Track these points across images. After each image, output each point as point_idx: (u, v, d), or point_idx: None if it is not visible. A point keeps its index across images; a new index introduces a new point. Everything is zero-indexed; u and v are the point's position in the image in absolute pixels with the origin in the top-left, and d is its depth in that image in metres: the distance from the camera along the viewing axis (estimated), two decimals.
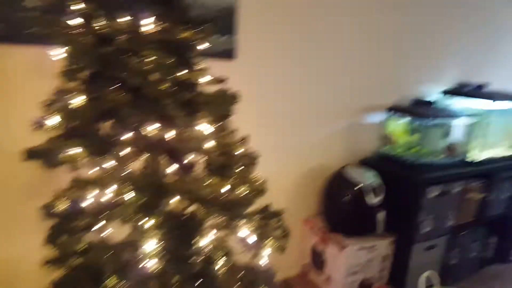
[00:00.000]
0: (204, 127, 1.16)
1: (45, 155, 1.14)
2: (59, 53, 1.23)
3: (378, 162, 2.55)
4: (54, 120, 1.12)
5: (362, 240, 2.27)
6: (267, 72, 2.17)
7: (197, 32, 1.15)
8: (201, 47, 1.17)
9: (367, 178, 2.31)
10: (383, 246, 2.34)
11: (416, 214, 2.32)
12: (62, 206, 1.27)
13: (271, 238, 1.33)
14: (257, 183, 1.34)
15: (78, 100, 1.09)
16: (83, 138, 1.11)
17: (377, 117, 2.68)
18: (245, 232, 1.23)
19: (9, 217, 1.69)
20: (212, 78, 1.22)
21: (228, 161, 1.22)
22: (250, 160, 1.27)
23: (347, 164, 2.44)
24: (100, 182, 1.20)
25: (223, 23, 1.91)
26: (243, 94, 2.07)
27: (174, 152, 1.28)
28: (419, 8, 2.64)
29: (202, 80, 1.19)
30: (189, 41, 1.13)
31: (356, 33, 2.42)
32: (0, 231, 1.69)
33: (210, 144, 1.17)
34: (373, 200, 2.25)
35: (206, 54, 1.21)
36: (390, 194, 2.33)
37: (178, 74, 1.11)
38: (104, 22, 1.05)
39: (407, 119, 2.52)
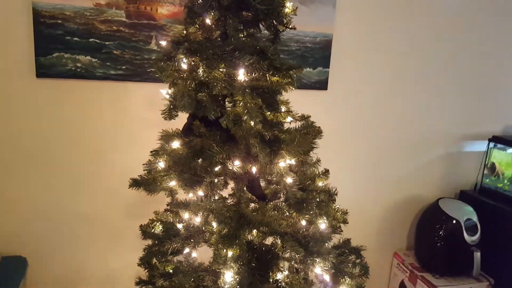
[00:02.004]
0: (286, 163, 1.21)
1: (147, 185, 1.32)
2: (166, 93, 1.42)
3: (478, 195, 2.34)
4: (160, 164, 1.30)
5: (455, 282, 2.10)
6: (357, 101, 2.16)
7: (284, 77, 1.22)
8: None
9: (465, 213, 2.14)
10: None
11: None
12: (157, 228, 1.44)
13: (349, 275, 1.33)
14: (338, 216, 1.35)
15: (176, 145, 1.24)
16: (178, 172, 1.25)
17: (479, 146, 2.46)
18: (322, 268, 1.25)
19: (110, 233, 1.94)
20: (298, 116, 1.27)
21: (307, 195, 1.26)
22: (329, 194, 1.29)
23: (443, 197, 2.29)
24: (190, 209, 1.34)
25: (318, 56, 1.96)
26: (333, 123, 2.13)
27: (256, 185, 1.37)
28: None
29: (288, 119, 1.25)
30: (277, 86, 1.20)
31: (455, 53, 2.27)
32: (102, 246, 1.95)
33: (290, 179, 1.22)
34: (470, 238, 2.08)
35: (299, 86, 1.27)
36: (489, 232, 2.13)
37: (265, 115, 1.19)
38: (204, 70, 1.18)
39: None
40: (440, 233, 2.13)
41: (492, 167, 2.39)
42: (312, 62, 1.97)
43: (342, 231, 1.39)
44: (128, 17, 1.70)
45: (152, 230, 1.44)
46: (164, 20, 1.74)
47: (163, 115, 1.25)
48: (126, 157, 1.85)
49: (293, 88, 1.24)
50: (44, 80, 1.69)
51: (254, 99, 1.19)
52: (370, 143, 2.25)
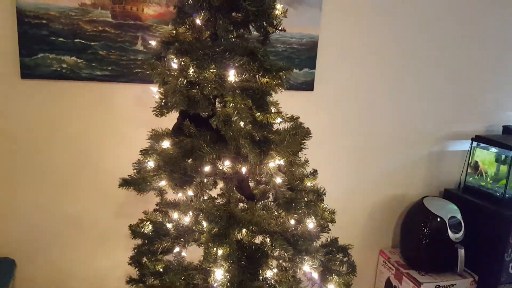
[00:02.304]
0: (275, 163, 1.22)
1: (136, 184, 1.31)
2: (156, 91, 1.41)
3: (462, 193, 2.39)
4: (150, 163, 1.29)
5: (440, 278, 2.14)
6: (343, 101, 2.18)
7: (274, 79, 1.23)
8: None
9: (449, 211, 2.19)
10: (463, 286, 2.18)
11: (503, 252, 2.13)
12: (147, 228, 1.44)
13: (337, 273, 1.34)
14: (325, 215, 1.37)
15: (166, 144, 1.24)
16: (168, 172, 1.25)
17: (462, 146, 2.52)
18: (311, 266, 1.26)
19: (98, 233, 1.92)
20: (287, 117, 1.29)
21: (295, 195, 1.27)
22: (318, 194, 1.31)
23: (427, 195, 2.33)
24: (180, 209, 1.34)
25: (304, 57, 1.98)
26: (318, 124, 2.15)
27: (245, 185, 1.38)
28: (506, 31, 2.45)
29: (277, 120, 1.26)
30: (267, 87, 1.21)
31: (438, 55, 2.32)
32: (90, 246, 1.93)
33: (279, 179, 1.23)
34: (455, 235, 2.12)
35: (286, 87, 1.29)
36: (473, 229, 2.17)
37: (255, 116, 1.20)
38: (195, 71, 1.18)
39: (496, 149, 2.33)
40: (425, 231, 2.17)
41: (476, 166, 2.45)
42: (298, 63, 1.99)
43: (330, 230, 1.41)
44: (114, 17, 1.69)
45: (142, 230, 1.44)
46: (150, 21, 1.74)
47: (154, 112, 1.24)
48: (114, 157, 1.84)
49: (283, 90, 1.25)
50: (29, 81, 1.67)
51: (244, 100, 1.20)
52: (355, 143, 2.27)
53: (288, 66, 1.25)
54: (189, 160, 1.22)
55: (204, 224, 1.29)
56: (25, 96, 1.68)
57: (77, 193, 1.84)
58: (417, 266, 2.22)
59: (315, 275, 1.26)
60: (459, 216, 2.17)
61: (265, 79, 1.22)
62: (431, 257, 2.18)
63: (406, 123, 2.36)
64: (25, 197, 1.77)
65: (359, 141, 2.29)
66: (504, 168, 2.34)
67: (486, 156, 2.42)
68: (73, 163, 1.80)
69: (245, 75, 1.20)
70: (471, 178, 2.44)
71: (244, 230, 1.29)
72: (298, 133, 1.32)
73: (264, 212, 1.29)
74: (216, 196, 1.39)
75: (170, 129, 1.40)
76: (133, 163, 1.38)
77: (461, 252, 2.11)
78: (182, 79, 1.22)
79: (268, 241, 1.29)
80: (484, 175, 2.38)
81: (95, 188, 1.85)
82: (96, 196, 1.86)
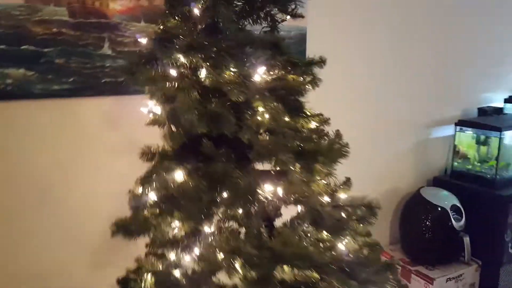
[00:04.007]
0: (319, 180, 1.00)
1: (138, 229, 1.00)
2: (151, 107, 1.11)
3: (452, 180, 2.35)
4: (151, 196, 0.99)
5: (448, 270, 2.06)
6: (331, 95, 2.00)
7: (304, 75, 1.00)
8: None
9: (448, 199, 2.12)
10: (470, 274, 2.13)
11: (502, 233, 2.11)
12: (148, 281, 1.12)
13: None
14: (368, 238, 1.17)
15: (179, 175, 0.95)
16: (181, 210, 0.96)
17: (442, 132, 2.48)
18: None
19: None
20: (324, 119, 1.06)
21: (347, 214, 1.06)
22: (371, 209, 1.10)
23: (422, 186, 2.25)
24: (200, 250, 1.05)
25: (294, 51, 1.76)
26: None
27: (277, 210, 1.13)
28: (478, 16, 2.46)
29: (311, 126, 1.04)
30: (299, 86, 0.98)
31: (416, 45, 2.24)
32: None
33: (327, 197, 1.01)
34: (458, 223, 2.05)
35: None
36: (470, 214, 2.12)
37: (294, 123, 0.96)
38: (210, 73, 0.91)
39: (473, 131, 2.31)
40: (427, 223, 2.08)
41: (456, 151, 2.42)
42: None
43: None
44: (71, 15, 1.34)
45: (143, 286, 1.12)
46: (118, 18, 1.41)
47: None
48: (83, 192, 1.48)
49: (315, 88, 1.03)
50: None
51: (276, 104, 0.96)
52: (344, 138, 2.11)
53: (319, 59, 1.03)
54: (218, 191, 0.94)
55: (237, 266, 1.02)
56: None
57: (39, 243, 1.44)
58: (423, 261, 2.12)
59: None
60: (458, 204, 2.11)
61: (292, 75, 0.99)
62: (437, 249, 2.09)
63: (390, 115, 2.25)
64: None
65: (346, 137, 2.13)
66: (484, 149, 2.33)
67: (463, 139, 2.40)
68: (31, 204, 1.40)
69: (272, 72, 0.96)
70: (455, 163, 2.41)
71: (286, 267, 1.04)
72: (338, 138, 1.11)
73: (307, 240, 1.07)
74: (237, 228, 1.12)
75: (165, 147, 1.11)
76: (129, 202, 1.07)
77: (467, 240, 2.05)
78: (192, 89, 0.94)
79: (317, 276, 1.06)
80: (469, 158, 2.35)
81: (62, 233, 1.47)
82: (64, 244, 1.48)
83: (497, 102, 2.66)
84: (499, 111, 2.51)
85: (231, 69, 0.93)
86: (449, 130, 2.45)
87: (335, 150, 0.97)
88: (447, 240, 2.06)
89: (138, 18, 1.43)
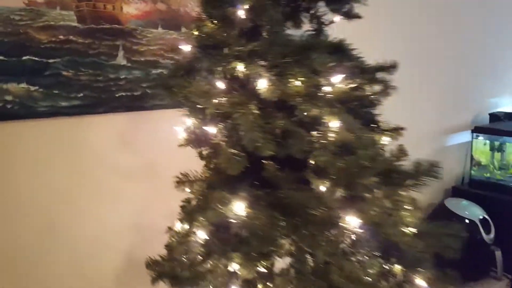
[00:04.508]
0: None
1: (184, 279, 0.82)
2: (187, 125, 0.94)
3: (472, 189, 2.25)
4: (200, 235, 0.82)
5: (479, 286, 1.95)
6: None
7: (373, 82, 0.86)
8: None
9: (476, 211, 2.01)
10: None
11: None
12: None
13: None
14: None
15: (239, 208, 0.78)
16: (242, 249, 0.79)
17: (459, 139, 2.40)
18: None
19: None
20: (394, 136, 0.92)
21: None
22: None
23: (447, 197, 2.14)
24: None
25: None
26: None
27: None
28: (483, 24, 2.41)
29: (384, 141, 0.89)
30: (372, 96, 0.84)
31: (427, 51, 2.15)
32: None
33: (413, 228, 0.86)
34: (488, 236, 1.95)
35: None
36: (497, 226, 2.02)
37: (369, 141, 0.81)
38: (273, 84, 0.75)
39: (498, 138, 2.23)
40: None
41: (474, 158, 2.33)
42: None
43: None
44: (81, 20, 1.15)
45: None
46: (133, 23, 1.23)
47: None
48: (97, 223, 1.28)
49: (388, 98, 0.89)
50: None
51: (350, 117, 0.81)
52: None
53: (391, 64, 0.89)
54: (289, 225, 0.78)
55: None
56: None
57: (43, 279, 1.23)
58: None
59: None
60: (486, 216, 2.01)
61: (367, 86, 0.85)
62: (468, 264, 1.97)
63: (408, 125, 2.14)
64: None
65: None
66: (497, 156, 2.26)
67: (480, 147, 2.32)
68: (38, 239, 1.19)
69: (344, 81, 0.81)
70: (473, 172, 2.32)
71: None
72: (403, 155, 0.97)
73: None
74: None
75: (208, 174, 0.94)
76: (166, 244, 0.89)
77: (498, 254, 1.94)
78: (252, 102, 0.79)
79: None
80: (487, 166, 2.26)
81: (68, 269, 1.25)
82: (70, 282, 1.27)
83: (504, 106, 2.61)
84: (510, 116, 2.45)
85: (299, 78, 0.78)
86: (463, 137, 2.37)
87: (423, 172, 0.81)
88: (478, 254, 1.95)
89: (155, 23, 1.26)
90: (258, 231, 0.73)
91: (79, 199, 1.24)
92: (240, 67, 0.76)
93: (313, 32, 1.04)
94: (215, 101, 0.78)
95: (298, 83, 0.77)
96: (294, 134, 0.75)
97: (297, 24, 1.01)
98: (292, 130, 0.75)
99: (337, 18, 1.00)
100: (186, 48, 0.87)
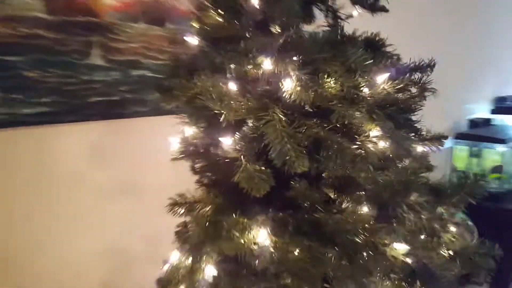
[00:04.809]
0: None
1: None
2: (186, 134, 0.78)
3: None
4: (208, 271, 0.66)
5: None
6: None
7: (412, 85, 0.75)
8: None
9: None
10: None
11: None
12: None
13: None
14: None
15: (262, 239, 0.63)
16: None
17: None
18: None
19: None
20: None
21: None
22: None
23: None
24: None
25: None
26: None
27: None
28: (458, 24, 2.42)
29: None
30: (412, 99, 0.72)
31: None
32: None
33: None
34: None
35: None
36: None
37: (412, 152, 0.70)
38: (306, 84, 0.62)
39: (479, 144, 2.23)
40: None
41: (456, 165, 2.32)
42: None
43: None
44: (50, 11, 0.96)
45: None
46: (111, 16, 1.05)
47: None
48: (65, 249, 1.07)
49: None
50: None
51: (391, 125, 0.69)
52: None
53: (429, 63, 0.78)
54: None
55: None
56: None
57: None
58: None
59: None
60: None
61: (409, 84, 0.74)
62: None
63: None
64: None
65: None
66: (474, 161, 2.26)
67: (460, 153, 2.31)
68: None
69: (395, 84, 0.69)
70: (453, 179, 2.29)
71: None
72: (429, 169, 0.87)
73: None
74: None
75: (209, 195, 0.79)
76: (170, 271, 0.73)
77: None
78: (278, 107, 0.65)
79: None
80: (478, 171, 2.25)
81: None
82: None
83: (480, 112, 2.63)
84: (488, 122, 2.47)
85: (334, 78, 0.64)
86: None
87: (468, 187, 0.71)
88: None
89: (136, 17, 1.09)
90: (298, 269, 0.58)
91: (44, 220, 1.03)
92: (267, 64, 0.62)
93: (328, 28, 0.92)
94: (233, 105, 0.63)
95: (334, 83, 0.64)
96: (331, 146, 0.62)
97: (309, 19, 0.88)
98: (331, 141, 0.61)
99: (355, 12, 0.88)
100: (193, 41, 0.71)
